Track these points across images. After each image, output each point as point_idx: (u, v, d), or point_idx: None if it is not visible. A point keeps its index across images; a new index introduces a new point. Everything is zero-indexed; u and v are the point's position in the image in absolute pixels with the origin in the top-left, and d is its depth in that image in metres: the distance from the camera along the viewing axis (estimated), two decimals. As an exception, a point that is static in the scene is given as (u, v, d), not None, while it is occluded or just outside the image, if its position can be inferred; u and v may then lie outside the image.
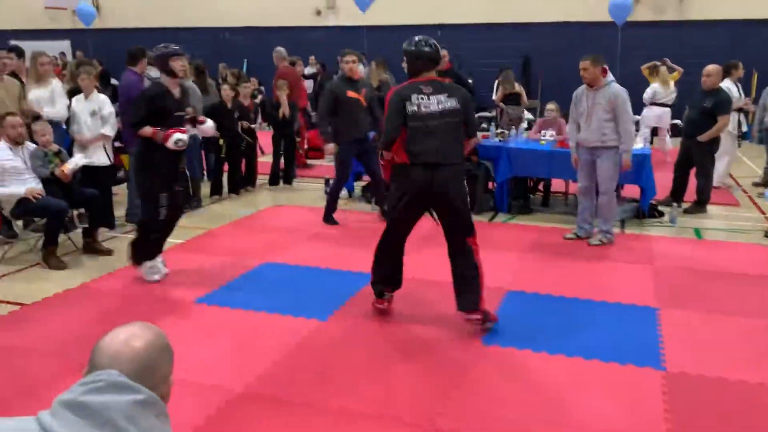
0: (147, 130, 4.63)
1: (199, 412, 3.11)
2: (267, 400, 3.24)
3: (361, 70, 8.81)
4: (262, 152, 10.00)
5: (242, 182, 8.15)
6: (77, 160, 5.53)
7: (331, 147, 6.44)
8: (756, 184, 8.56)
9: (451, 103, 3.88)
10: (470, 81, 15.08)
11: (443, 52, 8.04)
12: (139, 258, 4.92)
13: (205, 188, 7.99)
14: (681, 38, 13.39)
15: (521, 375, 3.53)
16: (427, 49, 3.93)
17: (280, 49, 9.78)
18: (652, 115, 10.01)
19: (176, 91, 4.83)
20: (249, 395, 3.29)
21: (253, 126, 8.10)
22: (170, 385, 1.46)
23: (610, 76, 5.80)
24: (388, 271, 4.30)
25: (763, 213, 7.14)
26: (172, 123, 4.71)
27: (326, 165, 9.96)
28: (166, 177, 4.77)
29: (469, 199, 4.09)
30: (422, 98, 3.87)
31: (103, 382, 1.29)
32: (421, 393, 3.32)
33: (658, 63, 10.29)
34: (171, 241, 6.00)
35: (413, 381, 3.45)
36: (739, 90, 8.41)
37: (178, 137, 4.62)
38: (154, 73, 8.20)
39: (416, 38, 3.97)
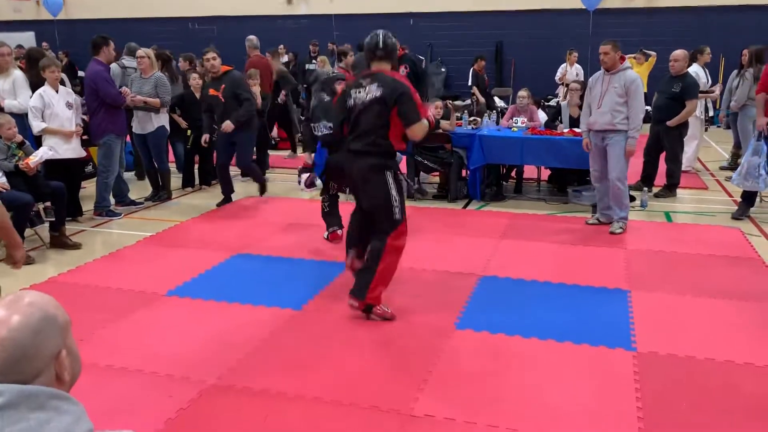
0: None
1: (171, 405, 3.07)
2: (240, 391, 3.21)
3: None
4: None
5: (214, 173, 8.05)
6: (42, 153, 5.40)
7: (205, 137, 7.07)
8: (723, 168, 8.72)
9: (377, 93, 3.82)
10: (443, 70, 15.16)
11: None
12: None
13: (177, 180, 7.88)
14: (651, 25, 13.54)
15: (495, 358, 3.54)
16: (367, 40, 3.98)
17: (252, 37, 9.64)
18: None
19: None
20: (222, 386, 3.25)
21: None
22: (67, 357, 1.21)
23: (627, 63, 5.85)
24: (352, 230, 4.38)
25: (731, 196, 7.26)
26: None
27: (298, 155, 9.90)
28: None
29: (395, 196, 3.90)
30: (360, 91, 3.89)
31: None
32: (397, 379, 3.31)
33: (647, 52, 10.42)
34: (141, 233, 5.93)
35: (389, 368, 3.45)
36: (706, 75, 8.53)
37: None
38: (128, 62, 8.08)
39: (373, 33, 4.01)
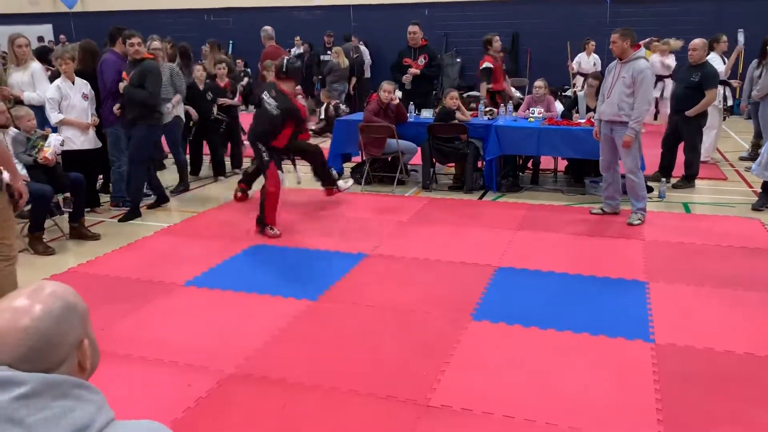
0: None
1: (190, 394, 3.10)
2: (258, 380, 3.24)
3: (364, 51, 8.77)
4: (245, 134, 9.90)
5: (225, 166, 8.11)
6: (54, 142, 5.42)
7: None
8: (743, 158, 8.60)
9: (275, 110, 5.51)
10: (458, 60, 15.06)
11: (415, 29, 8.01)
12: None
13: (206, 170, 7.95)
14: (669, 14, 13.35)
15: (512, 350, 3.54)
16: (277, 62, 5.84)
17: (267, 28, 9.63)
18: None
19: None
20: (239, 376, 3.28)
21: (232, 104, 7.99)
22: (89, 347, 1.22)
23: (641, 51, 5.76)
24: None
25: (750, 187, 7.17)
26: None
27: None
28: None
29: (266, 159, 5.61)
30: (267, 96, 5.59)
31: None
32: (414, 369, 3.32)
33: (654, 39, 10.28)
34: (159, 224, 5.98)
35: (405, 358, 3.46)
36: (725, 63, 8.41)
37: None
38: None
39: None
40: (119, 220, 6.18)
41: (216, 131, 7.80)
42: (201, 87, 7.59)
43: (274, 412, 2.98)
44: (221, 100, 7.77)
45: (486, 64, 8.45)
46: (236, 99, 8.13)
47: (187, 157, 7.76)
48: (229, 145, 8.19)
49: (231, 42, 16.02)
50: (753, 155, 8.47)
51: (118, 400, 3.02)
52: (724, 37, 8.48)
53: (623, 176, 6.67)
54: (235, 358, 3.44)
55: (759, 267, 4.76)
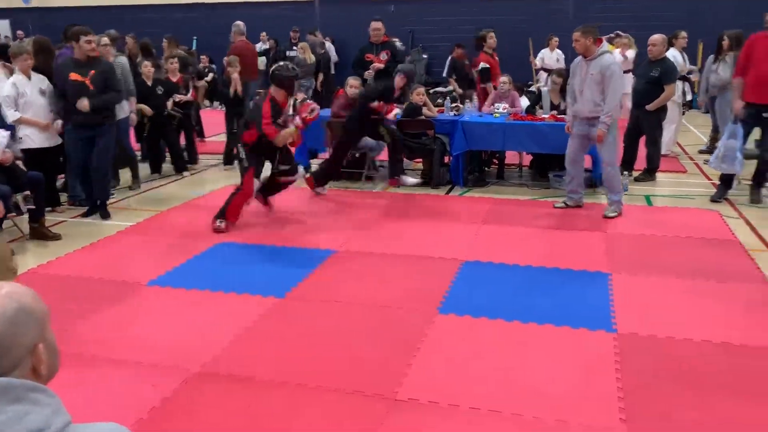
0: None
1: (155, 394, 3.06)
2: (224, 379, 3.21)
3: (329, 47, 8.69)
4: (201, 136, 9.80)
5: (185, 161, 8.02)
6: (1, 139, 5.25)
7: (57, 124, 5.96)
8: (702, 152, 8.81)
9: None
10: (424, 56, 15.10)
11: (378, 25, 8.04)
12: None
13: (144, 170, 7.79)
14: (631, 10, 13.59)
15: (478, 342, 3.58)
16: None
17: (239, 23, 9.43)
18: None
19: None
20: (206, 374, 3.25)
21: (186, 100, 7.88)
22: (45, 351, 1.19)
23: (603, 46, 5.82)
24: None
25: (709, 179, 7.35)
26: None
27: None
28: None
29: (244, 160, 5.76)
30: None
31: None
32: (381, 364, 3.33)
33: (621, 33, 10.45)
34: (121, 223, 5.88)
35: (373, 353, 3.47)
36: (684, 58, 8.60)
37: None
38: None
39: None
40: (100, 216, 6.11)
41: (171, 127, 7.68)
42: (149, 83, 7.45)
43: (240, 410, 2.96)
44: (177, 97, 7.67)
45: (483, 65, 8.48)
46: (190, 94, 8.04)
47: (138, 154, 7.68)
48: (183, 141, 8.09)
49: (195, 38, 15.81)
50: (711, 148, 8.68)
51: (81, 401, 2.98)
52: (683, 33, 8.67)
53: (587, 170, 6.80)
54: (201, 357, 3.41)
55: (717, 257, 4.88)
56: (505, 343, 3.56)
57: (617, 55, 10.01)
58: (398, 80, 6.88)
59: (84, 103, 5.72)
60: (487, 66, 8.35)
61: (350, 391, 3.08)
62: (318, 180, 6.87)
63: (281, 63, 5.92)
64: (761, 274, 4.52)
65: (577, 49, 5.77)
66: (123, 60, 6.96)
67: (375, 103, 6.70)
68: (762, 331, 3.65)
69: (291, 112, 5.85)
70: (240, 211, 5.67)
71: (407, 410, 2.93)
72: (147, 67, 7.51)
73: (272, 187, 6.09)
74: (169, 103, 7.57)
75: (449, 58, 11.87)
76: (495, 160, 7.86)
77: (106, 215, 6.12)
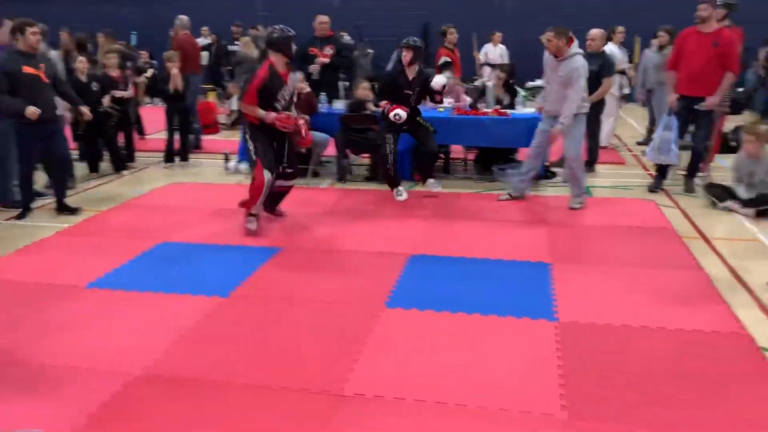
0: None
1: (93, 399, 2.97)
2: (167, 382, 3.15)
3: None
4: (141, 134, 9.56)
5: (124, 159, 7.81)
6: None
7: None
8: (639, 143, 9.11)
9: None
10: (370, 51, 15.08)
11: (325, 19, 7.98)
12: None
13: (82, 169, 7.55)
14: (570, 6, 13.89)
15: (424, 335, 3.60)
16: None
17: (183, 17, 9.19)
18: None
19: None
20: (147, 378, 3.18)
21: (126, 96, 7.67)
22: None
23: (574, 48, 5.91)
24: None
25: (646, 170, 7.60)
26: None
27: (223, 140, 9.71)
28: None
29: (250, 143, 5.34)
30: None
31: None
32: (328, 361, 3.32)
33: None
34: (58, 225, 5.68)
35: (319, 350, 3.45)
36: (622, 53, 8.85)
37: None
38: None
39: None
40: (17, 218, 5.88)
41: (108, 124, 7.44)
42: (83, 79, 7.21)
43: (184, 413, 2.90)
44: (117, 93, 7.45)
45: (444, 59, 8.51)
46: (130, 91, 7.82)
47: (75, 153, 7.42)
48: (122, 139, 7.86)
49: (134, 33, 15.36)
50: (648, 140, 8.98)
51: (16, 410, 2.87)
52: (621, 28, 8.92)
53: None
54: (143, 360, 3.33)
55: (654, 245, 5.06)
56: (451, 335, 3.59)
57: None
58: (405, 55, 6.27)
59: (87, 113, 6.09)
60: (448, 60, 8.42)
61: (296, 389, 3.06)
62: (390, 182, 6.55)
63: (275, 26, 5.35)
64: (695, 261, 4.70)
65: (550, 48, 5.89)
66: (54, 54, 6.71)
67: (382, 103, 6.35)
68: (696, 316, 3.80)
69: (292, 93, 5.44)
70: (257, 200, 5.30)
71: (353, 406, 2.93)
72: (82, 63, 7.26)
73: (273, 196, 5.66)
74: (106, 100, 7.33)
75: (395, 53, 11.89)
76: (441, 155, 7.91)
77: (76, 210, 6.02)
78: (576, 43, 5.98)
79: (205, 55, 12.89)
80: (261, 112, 5.17)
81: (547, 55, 6.10)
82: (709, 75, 6.17)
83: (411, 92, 6.29)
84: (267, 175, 5.20)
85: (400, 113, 6.14)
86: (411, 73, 6.29)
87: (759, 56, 12.04)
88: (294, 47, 5.30)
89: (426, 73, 6.57)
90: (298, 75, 6.66)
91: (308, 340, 3.58)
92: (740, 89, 11.91)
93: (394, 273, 4.51)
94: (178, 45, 8.77)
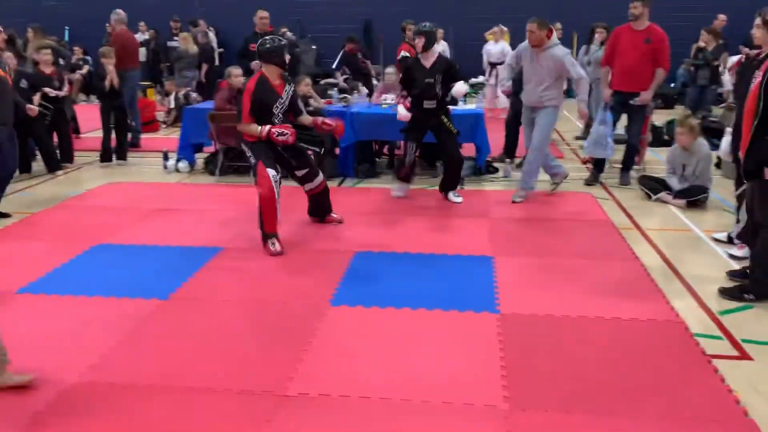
0: None
1: (24, 410, 2.84)
2: (104, 388, 3.04)
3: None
4: (76, 132, 9.24)
5: (59, 159, 7.52)
6: None
7: None
8: (578, 138, 9.34)
9: None
10: (314, 47, 14.97)
11: (265, 14, 7.88)
12: None
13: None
14: (509, 1, 14.12)
15: (369, 331, 3.60)
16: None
17: (120, 11, 8.87)
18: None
19: None
20: (83, 384, 3.06)
21: (60, 94, 7.40)
22: None
23: (554, 39, 5.96)
24: None
25: (584, 164, 7.80)
26: None
27: (163, 138, 9.48)
28: None
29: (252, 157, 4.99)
30: None
31: None
32: (272, 361, 3.28)
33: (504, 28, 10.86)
34: (-15, 228, 5.42)
35: (263, 350, 3.40)
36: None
37: None
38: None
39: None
40: None
41: (39, 123, 7.12)
42: (11, 75, 6.90)
43: (122, 419, 2.81)
44: (51, 92, 7.17)
45: (403, 53, 8.47)
46: (65, 89, 7.54)
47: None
48: (56, 138, 7.56)
49: (67, 28, 14.82)
50: (586, 135, 9.22)
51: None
52: (558, 24, 9.13)
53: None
54: (78, 367, 3.21)
55: (591, 237, 5.20)
56: (396, 331, 3.60)
57: (494, 45, 10.48)
58: (418, 42, 5.98)
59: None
60: (407, 54, 8.43)
61: (238, 391, 3.01)
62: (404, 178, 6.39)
63: (266, 37, 5.10)
64: (631, 252, 4.85)
65: (532, 40, 5.93)
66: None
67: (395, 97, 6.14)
68: (632, 305, 3.92)
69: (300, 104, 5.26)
70: (274, 215, 4.85)
71: (297, 405, 2.90)
72: (10, 59, 6.95)
73: (312, 203, 5.45)
74: (36, 98, 7.04)
75: (341, 52, 11.81)
76: (385, 151, 7.93)
77: (4, 216, 5.71)
78: (555, 34, 6.09)
79: (142, 51, 12.57)
80: (256, 129, 4.86)
81: (523, 47, 6.17)
82: (641, 71, 6.38)
83: (432, 80, 5.87)
84: (271, 173, 4.81)
85: (400, 110, 6.07)
86: (427, 60, 5.94)
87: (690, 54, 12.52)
88: (288, 57, 4.98)
89: (447, 60, 6.34)
90: (307, 80, 6.79)
91: (251, 341, 3.52)
92: (672, 85, 12.39)
93: (339, 270, 4.49)
94: (116, 40, 8.50)
